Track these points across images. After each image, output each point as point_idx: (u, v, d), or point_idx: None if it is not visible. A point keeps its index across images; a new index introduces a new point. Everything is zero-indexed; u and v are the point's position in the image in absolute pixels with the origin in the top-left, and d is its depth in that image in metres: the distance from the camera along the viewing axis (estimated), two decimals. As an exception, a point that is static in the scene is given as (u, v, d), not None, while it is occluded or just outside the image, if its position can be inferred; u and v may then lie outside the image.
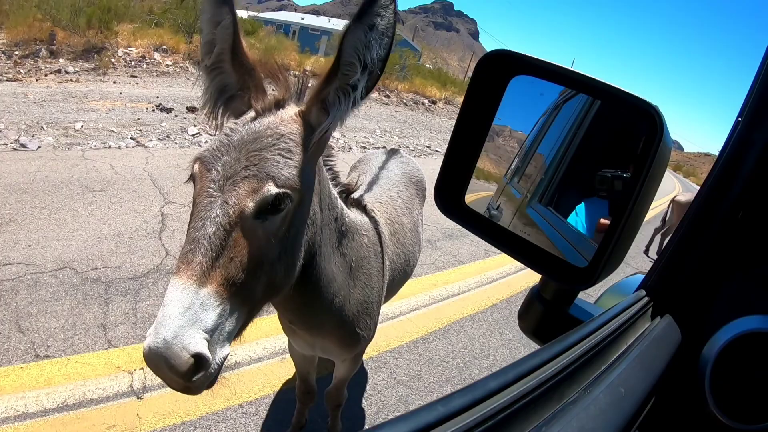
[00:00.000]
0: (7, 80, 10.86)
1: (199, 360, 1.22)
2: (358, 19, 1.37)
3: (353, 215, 2.09)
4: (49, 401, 3.10)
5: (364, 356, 4.03)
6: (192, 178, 1.42)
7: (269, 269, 1.45)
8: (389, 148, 3.86)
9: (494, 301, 6.09)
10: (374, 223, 2.34)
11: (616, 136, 1.23)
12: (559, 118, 1.30)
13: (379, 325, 4.64)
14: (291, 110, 1.54)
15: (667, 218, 10.10)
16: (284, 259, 1.52)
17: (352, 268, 2.05)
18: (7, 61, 11.99)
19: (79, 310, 4.00)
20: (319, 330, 2.14)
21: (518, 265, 7.07)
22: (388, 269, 2.45)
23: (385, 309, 4.92)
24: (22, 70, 11.68)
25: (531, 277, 6.85)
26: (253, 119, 1.47)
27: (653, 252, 10.36)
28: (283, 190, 1.38)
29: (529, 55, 1.10)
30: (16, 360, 3.38)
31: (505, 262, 7.29)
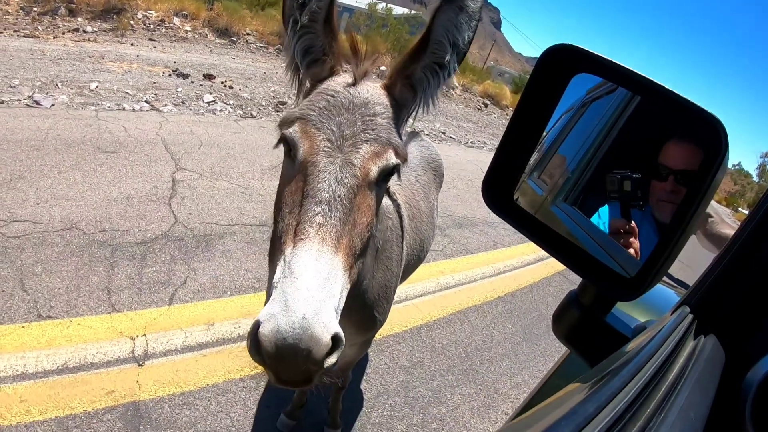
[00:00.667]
0: (24, 36, 10.79)
1: (336, 342, 1.09)
2: (450, 1, 1.39)
3: None
4: (49, 362, 3.07)
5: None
6: (286, 139, 1.38)
7: (369, 240, 1.42)
8: (409, 131, 3.79)
9: (500, 294, 6.07)
10: (396, 206, 2.32)
11: (644, 144, 1.19)
12: (586, 117, 1.28)
13: (384, 309, 4.66)
14: (377, 83, 1.53)
15: None
16: (372, 231, 1.50)
17: (378, 251, 2.01)
18: (26, 17, 11.92)
19: (84, 272, 3.96)
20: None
21: (525, 259, 7.14)
22: (405, 254, 2.41)
23: (391, 293, 4.91)
24: (39, 27, 11.60)
25: (536, 273, 6.87)
26: (351, 85, 1.44)
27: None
28: (399, 160, 1.40)
29: (597, 53, 1.06)
30: (18, 319, 3.35)
31: (513, 255, 7.28)
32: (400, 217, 2.32)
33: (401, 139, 1.46)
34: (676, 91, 0.94)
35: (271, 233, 1.65)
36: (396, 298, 4.87)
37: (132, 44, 12.65)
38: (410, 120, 1.62)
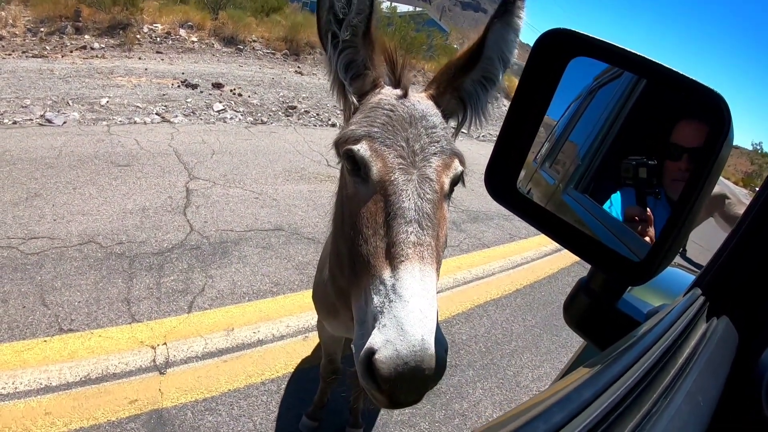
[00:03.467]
0: (32, 56, 10.96)
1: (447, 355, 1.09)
2: (501, 17, 1.42)
3: None
4: (72, 375, 3.10)
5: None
6: (355, 158, 1.32)
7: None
8: None
9: (518, 287, 6.01)
10: None
11: (653, 127, 1.19)
12: (594, 104, 1.27)
13: (402, 307, 4.66)
14: (422, 93, 1.53)
15: None
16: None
17: None
18: (33, 38, 12.09)
19: (103, 285, 4.01)
20: None
21: (543, 250, 7.07)
22: None
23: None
24: (47, 47, 11.76)
25: (554, 264, 6.80)
26: (402, 97, 1.43)
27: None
28: (463, 168, 1.39)
29: (593, 35, 1.05)
30: (40, 333, 3.39)
31: (530, 247, 7.21)
32: None
33: None
34: (674, 69, 0.93)
35: (336, 256, 1.62)
36: (413, 295, 4.89)
37: (140, 58, 12.77)
38: (463, 131, 1.64)
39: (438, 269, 1.21)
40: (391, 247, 1.16)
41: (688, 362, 0.84)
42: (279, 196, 6.49)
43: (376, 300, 1.11)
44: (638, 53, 0.98)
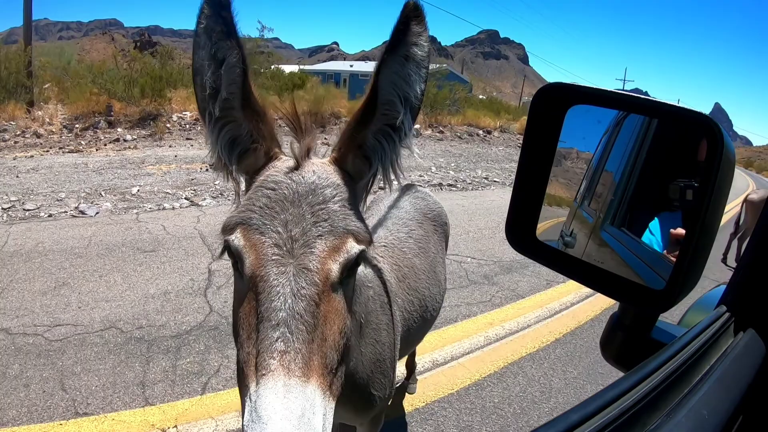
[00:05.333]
0: (69, 152, 11.54)
1: None
2: (393, 51, 1.23)
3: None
4: (83, 460, 3.07)
5: (409, 408, 3.89)
6: (230, 249, 1.19)
7: (349, 343, 1.24)
8: (403, 184, 3.48)
9: (557, 336, 5.67)
10: (377, 271, 2.11)
11: (679, 148, 1.19)
12: (621, 136, 1.29)
13: (427, 373, 4.41)
14: (323, 158, 1.37)
15: (741, 221, 9.39)
16: (353, 329, 1.35)
17: (361, 326, 1.79)
18: (69, 134, 12.84)
19: (121, 369, 4.03)
20: None
21: (582, 293, 6.76)
22: (399, 320, 2.23)
23: (436, 355, 4.71)
24: (83, 142, 12.44)
25: (596, 305, 6.46)
26: (293, 169, 1.26)
27: (731, 259, 9.58)
28: (362, 246, 1.21)
29: (581, 84, 1.12)
30: (56, 417, 3.42)
31: (569, 291, 6.85)
32: (384, 282, 2.11)
33: (362, 219, 1.27)
34: (660, 100, 0.97)
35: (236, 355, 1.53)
36: (440, 359, 4.73)
37: (170, 146, 13.34)
38: (367, 194, 1.44)
39: (324, 373, 1.06)
40: (258, 355, 1.02)
41: (703, 380, 0.82)
42: (302, 268, 6.45)
43: (246, 416, 0.97)
44: (623, 92, 1.04)
